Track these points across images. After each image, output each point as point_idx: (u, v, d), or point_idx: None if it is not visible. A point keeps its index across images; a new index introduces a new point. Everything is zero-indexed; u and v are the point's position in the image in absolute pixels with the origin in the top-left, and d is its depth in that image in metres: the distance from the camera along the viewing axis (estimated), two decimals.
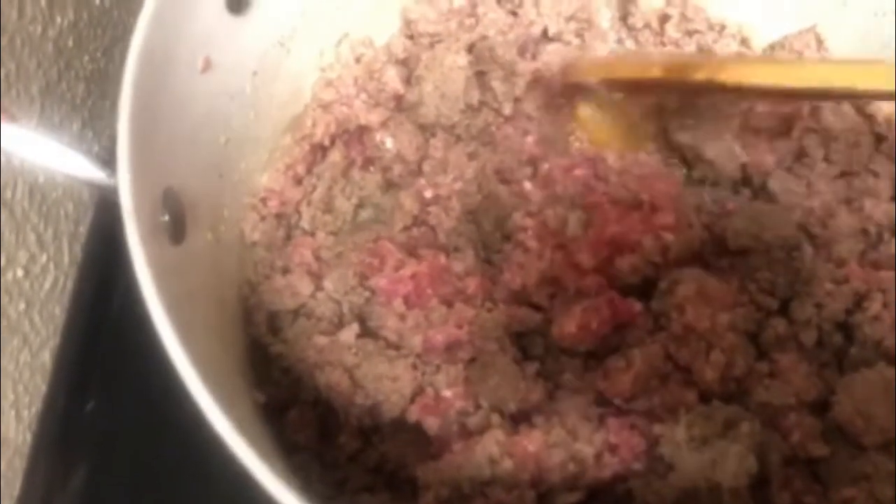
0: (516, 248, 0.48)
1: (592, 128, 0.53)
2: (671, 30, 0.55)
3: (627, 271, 0.46)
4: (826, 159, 0.51)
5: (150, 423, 0.53)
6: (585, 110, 0.53)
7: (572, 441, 0.40)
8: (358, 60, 0.53)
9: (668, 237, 0.46)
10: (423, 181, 0.50)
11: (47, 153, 0.36)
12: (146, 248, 0.33)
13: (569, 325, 0.44)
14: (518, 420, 0.42)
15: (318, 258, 0.48)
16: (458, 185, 0.49)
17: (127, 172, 0.33)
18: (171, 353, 0.32)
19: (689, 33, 0.55)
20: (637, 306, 0.45)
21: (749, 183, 0.52)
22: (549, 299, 0.46)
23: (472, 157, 0.51)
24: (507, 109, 0.52)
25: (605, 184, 0.50)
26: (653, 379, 0.43)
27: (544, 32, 0.54)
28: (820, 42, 0.54)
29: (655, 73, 0.49)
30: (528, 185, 0.50)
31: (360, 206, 0.51)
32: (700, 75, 0.46)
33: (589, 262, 0.46)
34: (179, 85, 0.40)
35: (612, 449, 0.41)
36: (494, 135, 0.52)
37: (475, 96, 0.52)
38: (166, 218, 0.37)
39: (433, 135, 0.52)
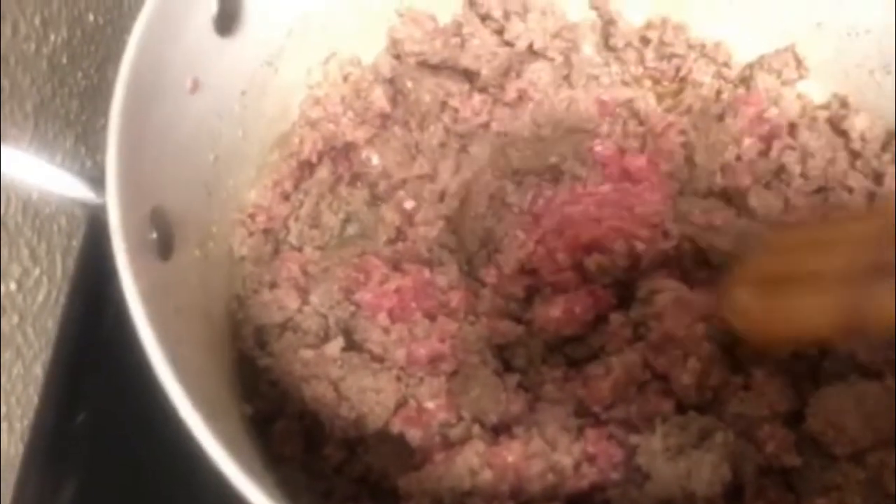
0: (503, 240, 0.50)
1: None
2: (651, 51, 0.56)
3: (595, 270, 0.47)
4: (803, 175, 0.52)
5: (141, 435, 0.53)
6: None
7: (551, 451, 0.41)
8: (345, 79, 0.54)
9: (640, 246, 0.47)
10: (402, 193, 0.51)
11: (39, 173, 0.37)
12: (133, 266, 0.33)
13: (553, 310, 0.46)
14: (499, 431, 0.43)
15: (305, 273, 0.49)
16: (437, 194, 0.51)
17: (115, 193, 0.34)
18: (156, 368, 0.32)
19: (669, 55, 0.56)
20: (613, 299, 0.47)
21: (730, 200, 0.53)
22: (524, 291, 0.48)
23: (457, 166, 0.53)
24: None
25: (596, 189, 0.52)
26: (631, 386, 0.43)
27: (530, 47, 0.54)
28: (798, 61, 0.55)
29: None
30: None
31: (346, 221, 0.52)
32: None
33: (565, 261, 0.48)
34: (168, 106, 0.40)
35: (591, 459, 0.41)
36: None
37: None
38: (154, 236, 0.38)
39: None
